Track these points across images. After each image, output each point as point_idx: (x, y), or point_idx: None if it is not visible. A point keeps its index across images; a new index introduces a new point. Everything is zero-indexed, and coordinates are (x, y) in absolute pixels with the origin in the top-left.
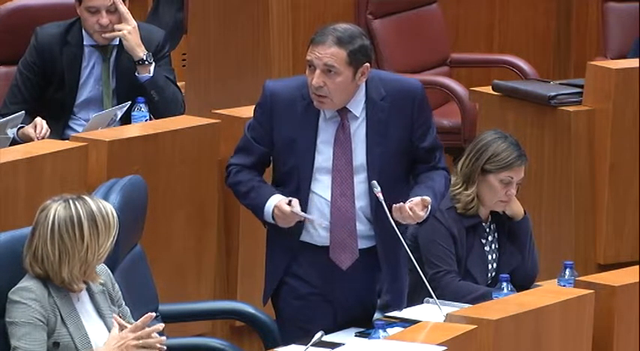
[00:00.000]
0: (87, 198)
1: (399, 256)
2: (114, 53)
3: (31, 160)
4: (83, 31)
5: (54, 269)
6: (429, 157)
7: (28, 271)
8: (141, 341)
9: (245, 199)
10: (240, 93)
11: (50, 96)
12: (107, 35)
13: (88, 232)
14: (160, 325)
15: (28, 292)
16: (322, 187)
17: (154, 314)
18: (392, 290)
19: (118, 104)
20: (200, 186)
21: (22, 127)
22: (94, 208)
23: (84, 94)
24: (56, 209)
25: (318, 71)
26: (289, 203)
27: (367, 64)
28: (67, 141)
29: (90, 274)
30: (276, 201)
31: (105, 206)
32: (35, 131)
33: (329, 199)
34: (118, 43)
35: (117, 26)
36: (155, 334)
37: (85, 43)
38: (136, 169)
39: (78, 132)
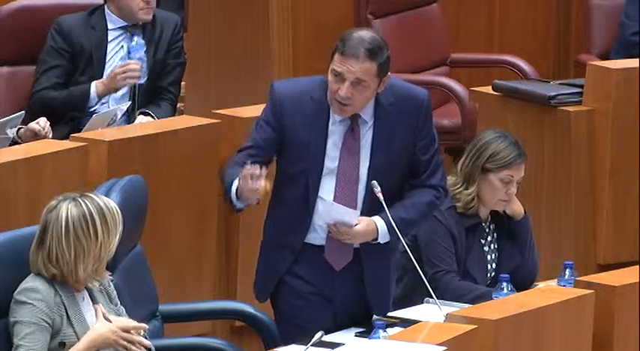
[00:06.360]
0: (92, 195)
1: (385, 261)
2: (140, 34)
3: (31, 160)
4: (106, 15)
5: (69, 268)
6: (424, 171)
7: (42, 273)
8: (122, 342)
9: (223, 185)
10: (240, 93)
11: (75, 80)
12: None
13: (101, 228)
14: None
15: (34, 293)
16: (326, 191)
17: (146, 327)
18: (377, 294)
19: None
20: (200, 186)
21: (22, 128)
22: (102, 204)
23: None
24: (67, 208)
25: (347, 83)
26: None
27: (389, 74)
28: (67, 141)
29: (101, 272)
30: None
31: (109, 202)
32: (39, 125)
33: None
34: (142, 24)
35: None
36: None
37: (109, 27)
38: (136, 169)
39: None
